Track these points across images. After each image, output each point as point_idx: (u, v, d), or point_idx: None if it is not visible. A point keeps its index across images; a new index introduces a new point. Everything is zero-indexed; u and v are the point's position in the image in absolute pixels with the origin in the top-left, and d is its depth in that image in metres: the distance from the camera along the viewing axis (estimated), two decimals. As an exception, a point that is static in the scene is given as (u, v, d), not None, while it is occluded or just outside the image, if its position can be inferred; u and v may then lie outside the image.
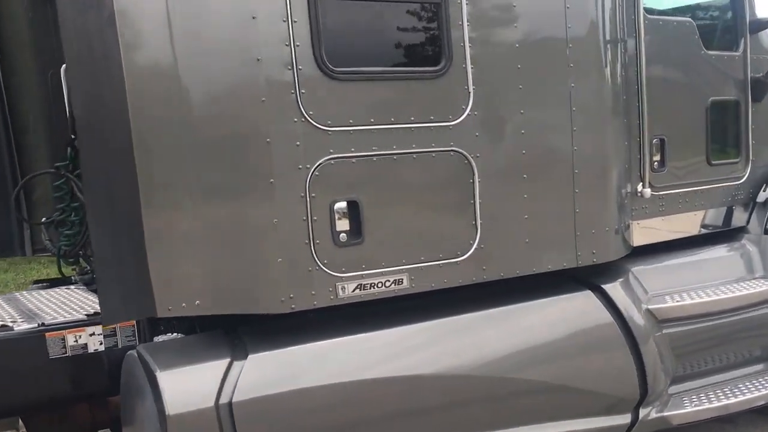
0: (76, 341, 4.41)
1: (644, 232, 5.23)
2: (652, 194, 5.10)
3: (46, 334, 4.28)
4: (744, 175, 5.79)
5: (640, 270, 5.15)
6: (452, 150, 4.09)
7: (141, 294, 3.41)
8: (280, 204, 3.68)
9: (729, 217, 5.89)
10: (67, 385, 4.35)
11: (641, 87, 4.85)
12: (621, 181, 4.82)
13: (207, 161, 3.58)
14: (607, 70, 4.68)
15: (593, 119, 4.54)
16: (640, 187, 4.97)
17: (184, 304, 3.51)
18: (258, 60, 3.60)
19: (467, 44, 4.08)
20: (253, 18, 3.59)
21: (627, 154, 4.87)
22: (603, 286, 4.67)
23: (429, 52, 4.05)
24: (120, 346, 4.38)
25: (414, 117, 3.97)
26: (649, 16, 5.07)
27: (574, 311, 4.51)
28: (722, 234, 5.87)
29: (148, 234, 3.45)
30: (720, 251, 5.77)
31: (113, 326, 4.34)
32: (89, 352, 4.41)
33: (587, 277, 4.74)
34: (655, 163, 5.17)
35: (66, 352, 4.33)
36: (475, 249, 4.17)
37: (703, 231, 5.69)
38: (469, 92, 4.11)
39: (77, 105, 3.54)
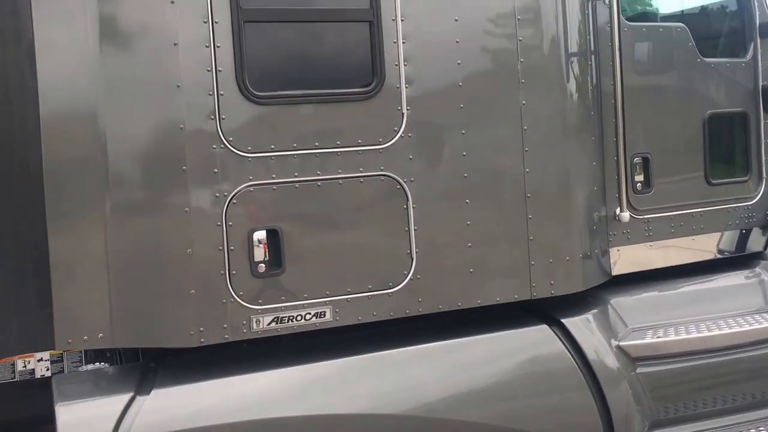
0: (25, 366, 5.08)
1: (628, 259, 5.56)
2: (633, 218, 5.39)
3: (-1, 359, 4.97)
4: (756, 195, 5.96)
5: (621, 302, 5.41)
6: (383, 175, 4.40)
7: (41, 325, 4.01)
8: (195, 233, 4.09)
9: (742, 242, 6.03)
10: (14, 409, 5.03)
11: (617, 101, 5.25)
12: (591, 204, 5.03)
13: (120, 188, 3.98)
14: (570, 85, 4.98)
15: (549, 139, 4.77)
16: (617, 211, 5.41)
17: (85, 337, 3.95)
18: (178, 86, 4.11)
19: (402, 63, 4.45)
20: (175, 44, 4.05)
21: (598, 175, 5.17)
22: (563, 320, 5.05)
23: (358, 72, 4.40)
24: (66, 372, 5.03)
25: (340, 141, 4.35)
26: (629, 23, 5.50)
27: (524, 347, 4.73)
28: (735, 260, 5.98)
29: (54, 261, 3.93)
30: (729, 280, 5.89)
31: (60, 351, 5.00)
32: (36, 377, 5.09)
33: (549, 310, 5.15)
34: (638, 184, 5.50)
35: (14, 377, 5.03)
36: (410, 280, 4.47)
37: (707, 257, 5.89)
38: (402, 113, 4.51)
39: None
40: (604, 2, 5.12)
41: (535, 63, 4.78)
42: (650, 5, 6.24)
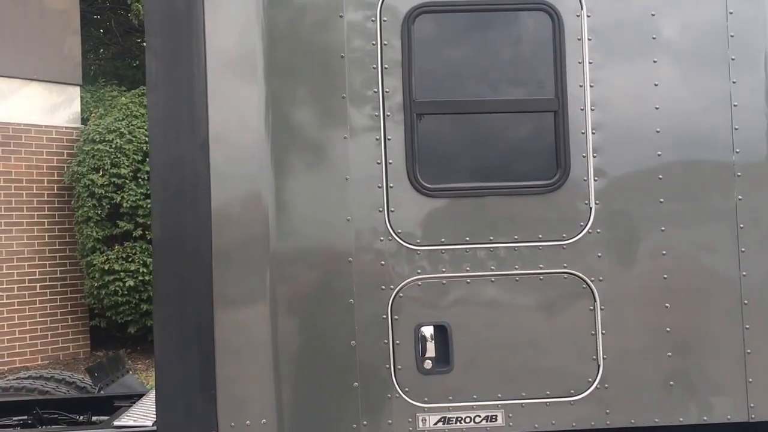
0: None
1: None
2: None
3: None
4: None
5: None
6: (566, 273, 4.11)
7: (204, 407, 4.07)
8: (359, 326, 4.02)
9: None
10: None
11: None
12: None
13: (287, 279, 4.05)
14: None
15: (774, 234, 4.21)
16: None
17: (248, 422, 4.02)
18: (347, 179, 4.13)
19: (590, 155, 4.17)
20: (345, 138, 4.08)
21: None
22: (789, 449, 4.21)
23: (539, 163, 4.18)
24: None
25: (518, 236, 4.14)
26: None
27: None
28: None
29: (219, 344, 4.00)
30: None
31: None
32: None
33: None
34: None
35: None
36: (596, 388, 4.08)
37: None
38: (590, 207, 4.17)
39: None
40: None
41: (755, 154, 4.11)
42: None
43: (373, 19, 4.09)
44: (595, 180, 4.10)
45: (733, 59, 4.19)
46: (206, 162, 4.03)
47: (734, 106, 4.17)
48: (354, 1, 4.11)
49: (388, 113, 4.08)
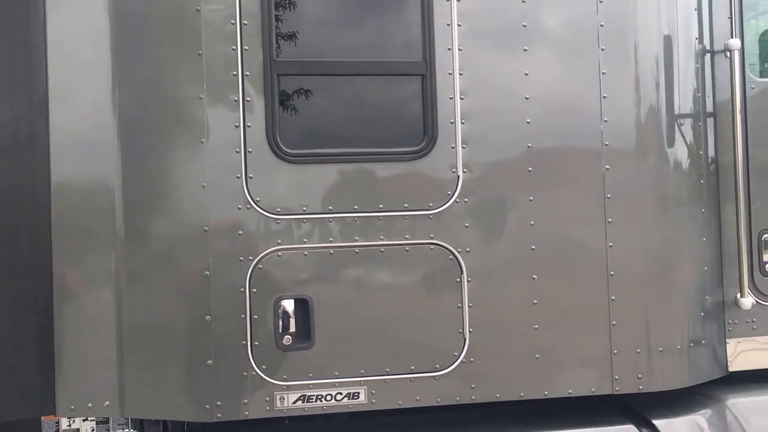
0: (69, 425, 4.77)
1: (752, 354, 4.50)
2: (759, 305, 4.39)
3: (43, 417, 4.70)
4: None
5: (743, 404, 4.42)
6: (432, 243, 3.85)
7: (42, 389, 3.62)
8: (215, 300, 3.66)
9: None
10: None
11: (738, 170, 4.24)
12: (699, 286, 4.20)
13: (132, 249, 3.68)
14: (674, 150, 4.15)
15: (640, 210, 4.01)
16: (738, 296, 4.33)
17: (89, 405, 3.62)
18: (202, 143, 3.74)
19: (458, 121, 3.86)
20: (200, 98, 3.69)
21: (711, 253, 4.26)
22: (656, 420, 4.07)
23: (405, 129, 3.87)
24: (111, 432, 4.67)
25: (383, 205, 3.83)
26: (758, 79, 4.48)
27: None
28: None
29: (58, 325, 3.60)
30: None
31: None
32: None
33: (645, 408, 4.18)
34: (767, 265, 4.47)
35: (60, 436, 4.73)
36: (461, 363, 3.85)
37: None
38: (458, 176, 3.91)
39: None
40: (725, 55, 4.09)
41: (624, 124, 3.91)
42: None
43: None
44: (463, 147, 3.86)
45: (602, 25, 3.96)
46: (45, 123, 3.54)
47: (603, 74, 3.98)
48: None
49: (247, 73, 3.72)
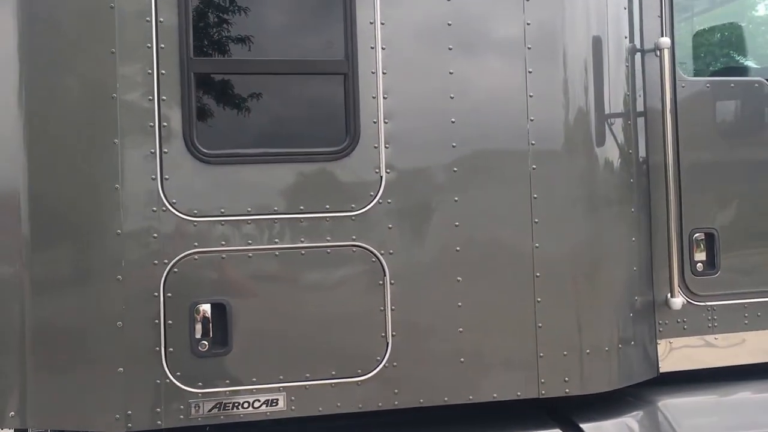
0: None
1: (683, 354, 4.41)
2: (691, 304, 4.33)
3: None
4: None
5: (674, 405, 4.34)
6: (355, 245, 3.72)
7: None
8: (127, 305, 3.51)
9: None
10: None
11: (668, 168, 4.16)
12: (628, 287, 4.11)
13: (40, 249, 3.51)
14: (602, 149, 4.04)
15: (567, 209, 3.93)
16: (668, 296, 4.25)
17: None
18: (115, 142, 3.53)
19: (381, 120, 3.75)
20: (113, 97, 3.54)
21: (641, 253, 4.17)
22: (582, 424, 3.98)
23: (327, 129, 3.73)
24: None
25: (304, 206, 3.71)
26: (688, 78, 4.39)
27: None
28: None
29: None
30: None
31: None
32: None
33: (573, 411, 4.09)
34: (699, 264, 4.38)
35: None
36: (384, 367, 3.73)
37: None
38: (381, 176, 3.78)
39: None
40: (655, 54, 4.00)
41: (550, 122, 3.80)
42: (719, 55, 5.00)
43: None
44: (386, 147, 3.75)
45: (528, 24, 3.85)
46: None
47: (529, 72, 3.87)
48: None
49: (163, 71, 3.57)
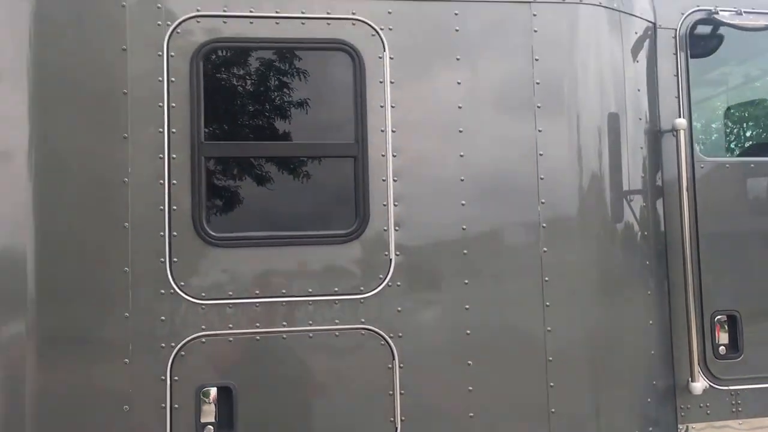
0: None
1: (709, 439, 4.27)
2: (713, 389, 4.18)
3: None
4: None
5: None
6: (363, 328, 3.65)
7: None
8: (134, 388, 3.47)
9: None
10: None
11: (686, 250, 4.06)
12: (645, 371, 4.00)
13: (48, 322, 3.47)
14: (615, 230, 3.99)
15: (580, 293, 3.83)
16: (689, 380, 4.10)
17: None
18: (125, 226, 3.55)
19: (391, 203, 3.72)
20: (124, 181, 3.57)
21: (659, 337, 4.06)
22: None
23: (337, 212, 3.72)
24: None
25: (313, 289, 3.67)
26: (706, 158, 4.31)
27: None
28: None
29: None
30: None
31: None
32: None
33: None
34: (721, 347, 4.24)
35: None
36: None
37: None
38: (390, 259, 3.74)
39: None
40: (672, 134, 3.95)
41: (562, 205, 3.73)
42: (741, 136, 4.92)
43: (160, 53, 3.59)
44: (396, 230, 3.70)
45: (539, 107, 3.81)
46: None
47: (540, 155, 3.79)
48: (139, 34, 3.57)
49: (174, 155, 3.57)
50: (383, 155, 3.74)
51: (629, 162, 4.10)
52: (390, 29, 3.77)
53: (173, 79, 3.62)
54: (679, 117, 4.19)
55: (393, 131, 3.75)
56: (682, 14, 4.29)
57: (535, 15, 3.88)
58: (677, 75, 4.26)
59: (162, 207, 3.58)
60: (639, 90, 4.15)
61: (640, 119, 4.16)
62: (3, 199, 3.50)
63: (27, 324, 3.47)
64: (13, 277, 3.47)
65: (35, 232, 3.50)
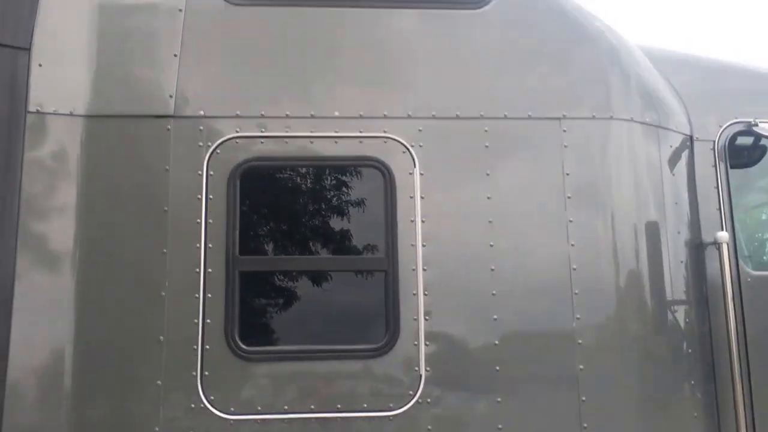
0: None
1: None
2: None
3: None
4: None
5: None
6: (393, 447, 3.59)
7: None
8: None
9: None
10: None
11: (734, 368, 3.87)
12: None
13: None
14: (655, 350, 3.85)
15: (619, 413, 3.67)
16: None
17: None
18: (161, 339, 3.62)
19: (422, 317, 3.68)
20: (161, 295, 3.65)
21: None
22: None
23: (367, 326, 3.72)
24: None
25: (341, 405, 3.62)
26: (752, 272, 4.16)
27: None
28: None
29: None
30: None
31: None
32: None
33: None
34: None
35: None
36: None
37: None
38: (420, 375, 3.66)
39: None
40: (714, 247, 3.85)
41: (597, 319, 3.71)
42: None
43: (200, 172, 3.71)
44: (426, 345, 3.64)
45: (570, 221, 3.77)
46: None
47: (573, 269, 3.74)
48: (181, 153, 3.72)
49: (209, 269, 3.63)
50: (413, 269, 3.74)
51: (671, 274, 3.99)
52: (420, 146, 3.84)
53: (211, 196, 3.74)
54: (722, 230, 4.08)
55: (423, 245, 3.75)
56: (720, 126, 4.25)
57: (565, 131, 3.90)
58: (718, 187, 4.17)
59: (196, 320, 3.64)
60: (677, 203, 4.08)
61: (679, 232, 4.06)
62: (46, 301, 3.61)
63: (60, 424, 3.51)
64: (51, 378, 3.55)
65: (75, 336, 3.58)
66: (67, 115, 3.77)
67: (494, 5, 4.04)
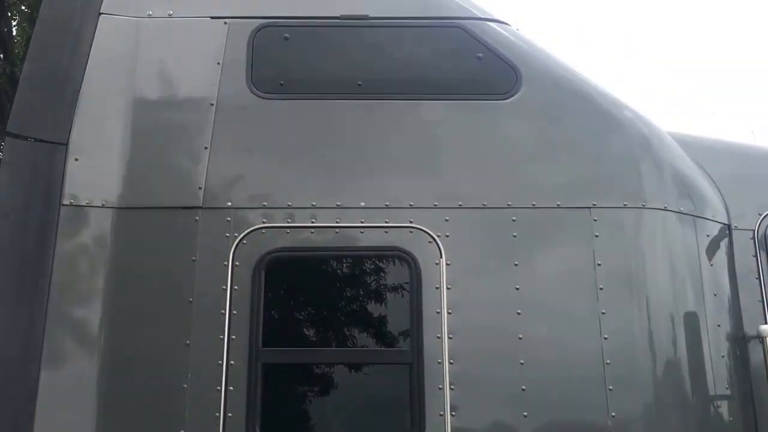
0: None
1: None
2: None
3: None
4: None
5: None
6: None
7: None
8: None
9: None
10: None
11: None
12: None
13: None
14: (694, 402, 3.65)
15: None
16: None
17: None
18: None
19: (448, 412, 3.51)
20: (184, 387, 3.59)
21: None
22: None
23: (391, 420, 3.59)
24: None
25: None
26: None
27: None
28: None
29: None
30: None
31: None
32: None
33: None
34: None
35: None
36: None
37: None
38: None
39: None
40: (758, 341, 3.70)
41: (633, 417, 3.49)
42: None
43: (226, 263, 3.69)
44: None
45: (603, 313, 3.63)
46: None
47: (607, 363, 3.59)
48: (208, 244, 3.72)
49: (232, 362, 3.57)
50: (440, 362, 3.62)
51: (712, 368, 3.79)
52: (447, 236, 3.77)
53: (236, 287, 3.71)
54: (765, 323, 3.88)
55: (449, 337, 3.64)
56: (760, 215, 4.09)
57: (595, 220, 3.80)
58: (760, 278, 3.99)
59: (218, 414, 3.56)
60: (716, 294, 3.91)
61: (719, 325, 3.88)
62: (71, 386, 3.59)
63: None
64: None
65: (96, 424, 3.52)
66: (100, 207, 3.82)
67: (522, 95, 4.02)
